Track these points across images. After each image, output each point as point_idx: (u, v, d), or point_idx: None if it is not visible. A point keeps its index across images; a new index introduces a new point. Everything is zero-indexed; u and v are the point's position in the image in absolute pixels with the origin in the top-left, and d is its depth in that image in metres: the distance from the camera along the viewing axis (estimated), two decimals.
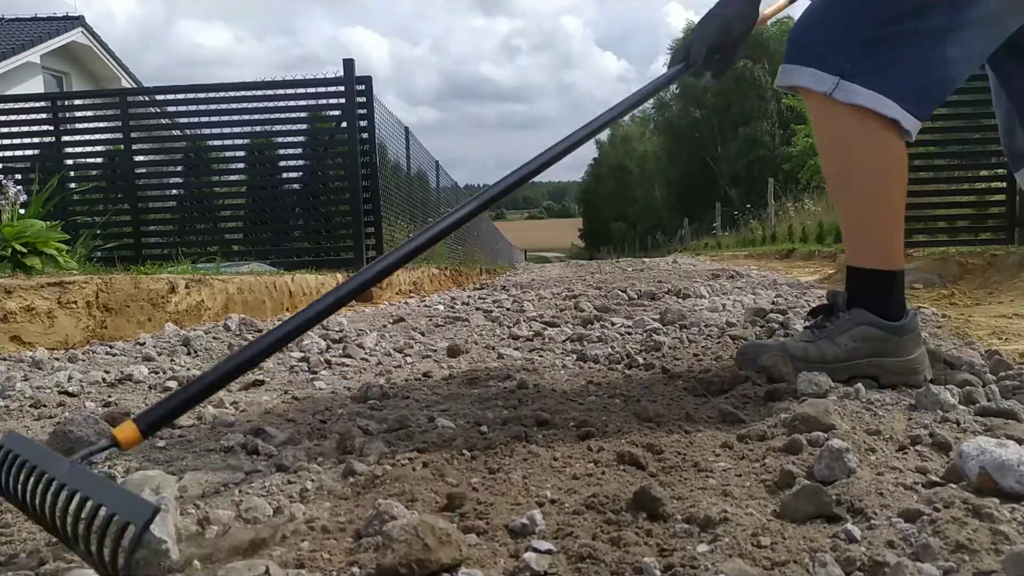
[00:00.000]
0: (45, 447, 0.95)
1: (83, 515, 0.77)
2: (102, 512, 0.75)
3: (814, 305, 1.83)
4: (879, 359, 1.60)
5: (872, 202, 1.65)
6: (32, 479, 0.85)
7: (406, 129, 9.34)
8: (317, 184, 6.78)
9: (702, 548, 0.84)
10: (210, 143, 6.88)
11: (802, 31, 1.63)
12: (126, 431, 0.97)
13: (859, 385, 1.48)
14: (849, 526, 0.87)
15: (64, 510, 0.79)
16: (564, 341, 2.56)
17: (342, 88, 6.20)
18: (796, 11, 1.79)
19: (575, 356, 2.19)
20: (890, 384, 1.57)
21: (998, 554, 0.77)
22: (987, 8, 1.51)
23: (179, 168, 7.12)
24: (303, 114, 6.62)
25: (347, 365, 2.24)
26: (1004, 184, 6.25)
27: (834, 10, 1.60)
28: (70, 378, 2.07)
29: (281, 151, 7.05)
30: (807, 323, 1.79)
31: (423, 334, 3.00)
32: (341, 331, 3.02)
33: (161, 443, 1.36)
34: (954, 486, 0.96)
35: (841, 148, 1.63)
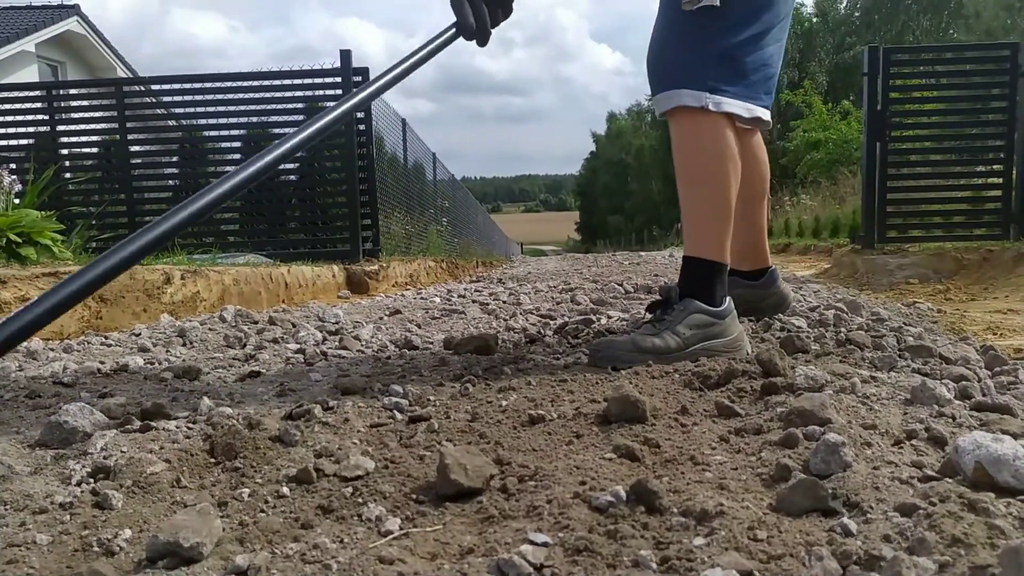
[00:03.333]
0: None
1: None
2: None
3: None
4: (710, 342, 1.85)
5: (722, 197, 1.91)
6: None
7: (403, 121, 9.31)
8: (314, 176, 6.76)
9: (698, 541, 0.84)
10: (206, 133, 6.85)
11: (659, 61, 1.94)
12: None
13: (855, 380, 1.48)
14: (845, 520, 0.87)
15: None
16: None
17: (339, 79, 6.18)
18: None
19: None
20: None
21: (994, 548, 0.77)
22: (777, 9, 1.90)
23: (175, 159, 7.09)
24: (300, 105, 6.59)
25: (343, 357, 2.23)
26: (1000, 180, 6.26)
27: (678, 39, 1.90)
28: (65, 368, 2.07)
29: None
30: (645, 318, 1.98)
31: (419, 326, 2.99)
32: (337, 323, 3.02)
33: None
34: (950, 480, 0.96)
35: (708, 150, 1.89)
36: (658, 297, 1.98)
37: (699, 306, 1.86)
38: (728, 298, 1.91)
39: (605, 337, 2.04)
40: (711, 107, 1.85)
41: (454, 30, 1.67)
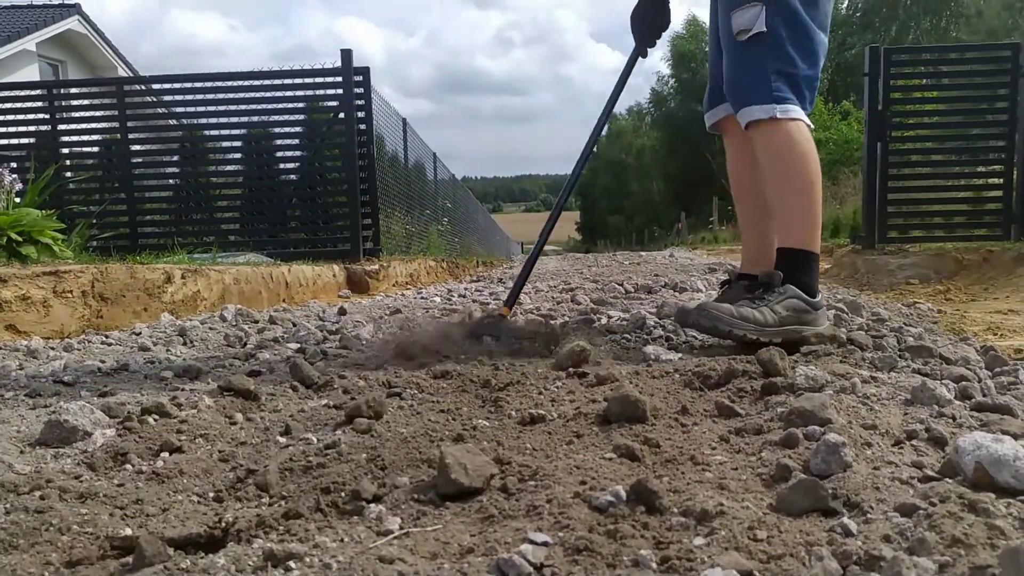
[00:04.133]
0: None
1: None
2: None
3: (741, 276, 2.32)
4: (801, 327, 2.01)
5: (809, 191, 2.13)
6: None
7: (403, 121, 9.31)
8: (314, 175, 6.75)
9: (698, 541, 0.84)
10: (207, 133, 6.85)
11: (731, 87, 2.23)
12: None
13: (855, 380, 1.48)
14: (845, 520, 0.87)
15: None
16: None
17: (339, 79, 6.17)
18: None
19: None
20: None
21: (994, 549, 0.77)
22: (822, 12, 2.18)
23: (176, 158, 7.09)
24: (300, 104, 6.58)
25: (344, 356, 2.23)
26: (1001, 180, 6.25)
27: (741, 64, 2.20)
28: (65, 367, 2.07)
29: (278, 141, 7.02)
30: (747, 295, 2.13)
31: (420, 327, 2.99)
32: (338, 322, 3.02)
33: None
34: (950, 481, 0.96)
35: (788, 154, 2.13)
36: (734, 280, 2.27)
37: (798, 292, 2.06)
38: (821, 293, 2.11)
39: (708, 302, 2.14)
40: (779, 115, 2.10)
41: (637, 53, 2.50)
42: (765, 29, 2.09)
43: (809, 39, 2.16)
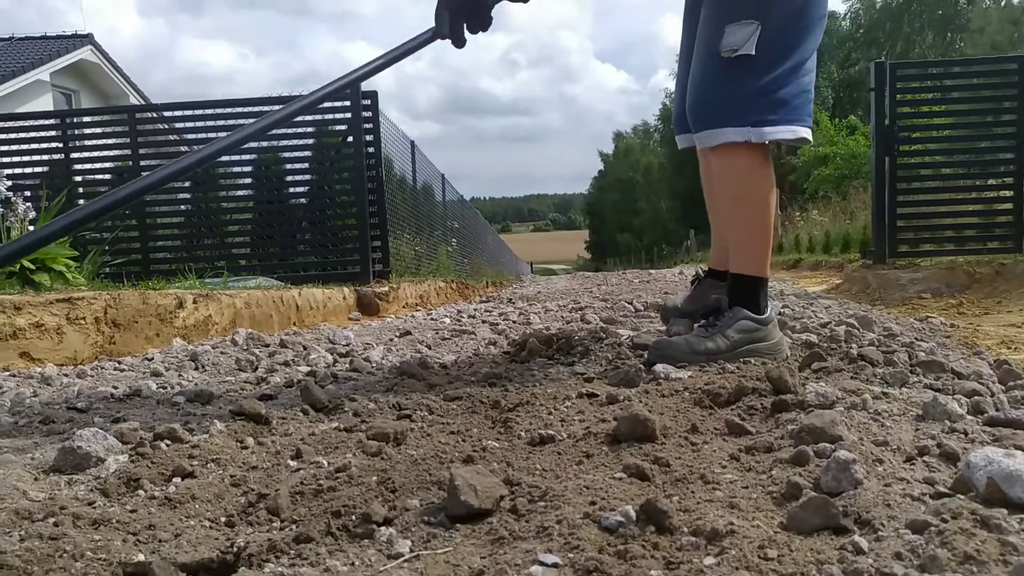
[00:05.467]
0: None
1: None
2: None
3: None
4: (755, 345, 2.09)
5: (763, 220, 2.18)
6: None
7: (412, 143, 9.38)
8: (324, 198, 6.81)
9: (709, 561, 0.84)
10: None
11: (704, 102, 2.15)
12: None
13: (866, 396, 1.48)
14: (856, 538, 0.86)
15: None
16: None
17: (348, 103, 6.24)
18: None
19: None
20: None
21: (1006, 565, 0.76)
22: (814, 37, 2.12)
23: (187, 184, 7.16)
24: (309, 129, 6.65)
25: (354, 379, 2.24)
26: (1012, 192, 6.24)
27: (720, 82, 2.10)
28: (79, 394, 2.08)
29: (288, 166, 7.09)
30: (699, 324, 2.23)
31: (430, 347, 3.00)
32: (348, 345, 3.03)
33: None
34: (962, 497, 0.95)
35: (752, 179, 2.14)
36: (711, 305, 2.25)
37: (746, 313, 2.12)
38: (770, 307, 2.18)
39: (663, 338, 2.22)
40: (754, 139, 2.07)
41: (431, 33, 2.00)
42: (753, 53, 2.02)
43: (799, 53, 2.08)
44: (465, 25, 2.04)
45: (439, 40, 2.02)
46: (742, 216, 2.18)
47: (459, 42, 2.05)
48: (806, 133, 2.14)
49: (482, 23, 2.07)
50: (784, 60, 2.05)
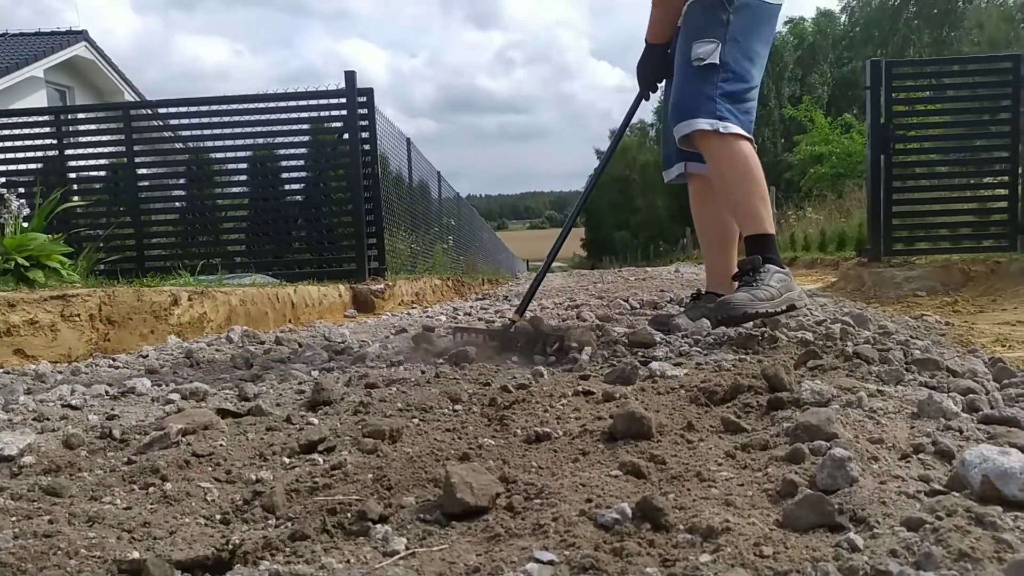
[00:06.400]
0: None
1: None
2: None
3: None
4: (789, 293, 2.47)
5: (758, 186, 2.57)
6: None
7: (407, 140, 9.36)
8: (319, 196, 6.80)
9: (704, 558, 0.84)
10: (212, 155, 6.90)
11: (681, 100, 2.61)
12: None
13: (861, 394, 1.48)
14: (852, 535, 0.86)
15: None
16: None
17: (344, 100, 6.22)
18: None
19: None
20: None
21: (1001, 563, 0.77)
22: (758, 70, 2.62)
23: (182, 180, 7.14)
24: (305, 126, 6.64)
25: (350, 375, 2.23)
26: (1006, 191, 6.25)
27: (692, 84, 2.58)
28: (73, 391, 2.08)
29: (283, 163, 7.07)
30: (737, 285, 2.55)
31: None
32: (344, 343, 3.03)
33: None
34: (957, 494, 0.95)
35: (735, 159, 2.55)
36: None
37: (777, 268, 2.51)
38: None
39: (723, 297, 2.52)
40: (721, 129, 2.51)
41: (640, 97, 2.93)
42: (718, 63, 2.52)
43: (751, 75, 2.58)
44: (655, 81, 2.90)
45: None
46: (743, 189, 2.56)
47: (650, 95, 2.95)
48: (751, 139, 2.60)
49: (661, 80, 2.91)
50: (736, 80, 2.55)
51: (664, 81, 2.93)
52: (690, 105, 2.57)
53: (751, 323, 2.47)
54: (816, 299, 4.49)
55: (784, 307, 2.45)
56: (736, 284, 2.57)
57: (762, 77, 2.75)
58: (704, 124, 2.53)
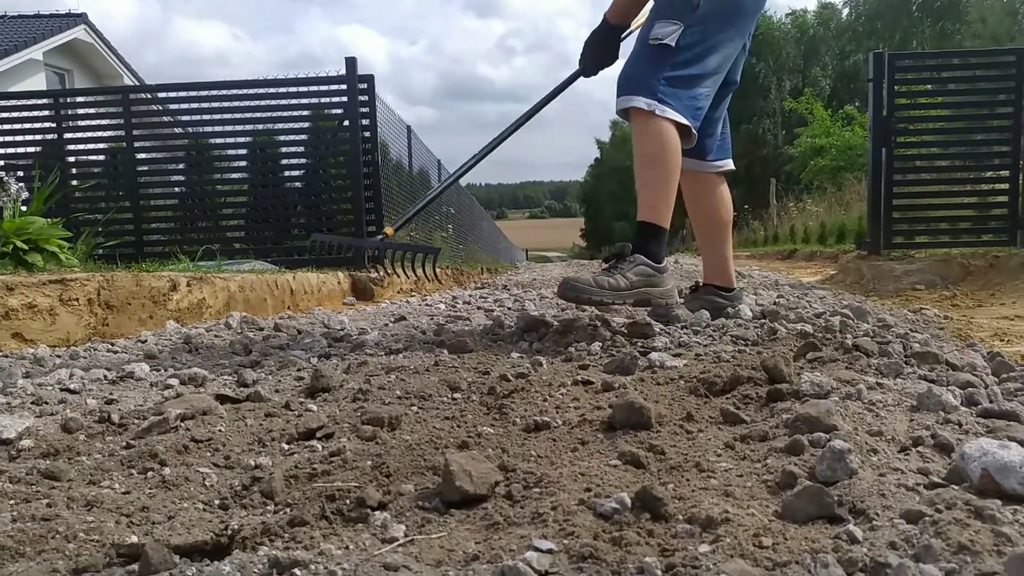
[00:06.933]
0: None
1: None
2: None
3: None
4: (649, 289, 2.46)
5: (666, 176, 2.49)
6: None
7: (408, 128, 9.33)
8: (319, 182, 6.78)
9: (704, 548, 0.84)
10: (212, 141, 6.88)
11: (628, 74, 2.55)
12: None
13: (861, 386, 1.48)
14: (851, 527, 0.86)
15: None
16: None
17: (344, 86, 6.20)
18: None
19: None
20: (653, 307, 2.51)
21: (1000, 556, 0.77)
22: (717, 60, 2.53)
23: (181, 166, 7.12)
24: (305, 112, 6.62)
25: (349, 363, 2.23)
26: (1007, 185, 6.25)
27: (642, 62, 2.53)
28: (71, 375, 2.07)
29: (283, 149, 7.05)
30: (604, 266, 2.55)
31: (424, 333, 2.99)
32: (343, 330, 3.02)
33: None
34: (956, 487, 0.96)
35: (654, 142, 2.48)
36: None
37: (644, 260, 2.47)
38: (667, 258, 2.43)
39: (573, 275, 2.52)
40: (657, 112, 2.46)
41: (577, 74, 2.81)
42: (673, 45, 2.46)
43: (708, 64, 2.51)
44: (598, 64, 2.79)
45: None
46: (650, 172, 2.51)
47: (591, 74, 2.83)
48: (690, 125, 2.51)
49: (605, 66, 2.81)
50: (689, 65, 2.48)
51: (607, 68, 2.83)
52: (634, 80, 2.53)
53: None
54: (815, 291, 4.49)
55: (631, 300, 2.44)
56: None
57: (736, 69, 2.69)
58: (641, 103, 2.48)
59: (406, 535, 0.94)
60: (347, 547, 0.91)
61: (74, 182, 6.51)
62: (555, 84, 2.85)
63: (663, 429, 1.32)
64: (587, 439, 1.30)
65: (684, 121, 2.49)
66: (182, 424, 1.50)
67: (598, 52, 2.79)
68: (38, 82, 15.94)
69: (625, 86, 2.55)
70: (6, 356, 2.47)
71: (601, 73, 2.85)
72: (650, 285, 2.46)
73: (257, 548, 0.92)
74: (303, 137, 6.86)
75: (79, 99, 7.21)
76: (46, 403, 1.74)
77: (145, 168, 6.65)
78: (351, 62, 6.21)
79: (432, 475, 1.14)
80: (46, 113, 6.60)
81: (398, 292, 6.14)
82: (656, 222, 2.52)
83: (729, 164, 2.89)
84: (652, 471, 1.12)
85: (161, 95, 6.94)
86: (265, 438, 1.41)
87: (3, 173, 4.41)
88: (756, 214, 21.53)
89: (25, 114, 6.59)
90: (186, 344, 2.69)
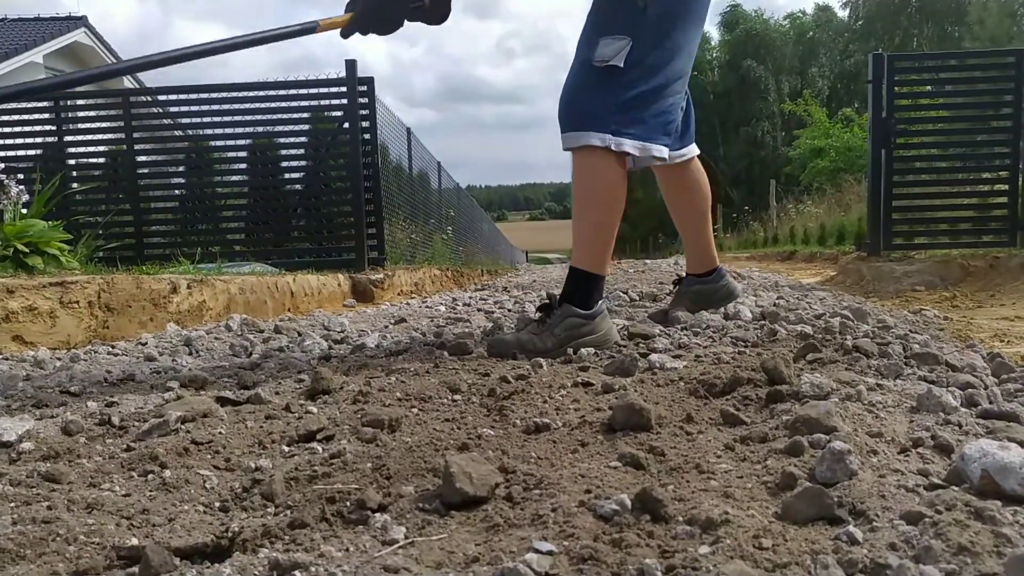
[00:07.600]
0: None
1: None
2: None
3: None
4: (580, 339, 2.22)
5: (607, 221, 2.31)
6: None
7: (408, 130, 9.34)
8: (319, 185, 6.79)
9: (704, 550, 0.84)
10: (212, 143, 6.89)
11: (572, 105, 2.27)
12: None
13: (861, 387, 1.48)
14: (851, 528, 0.87)
15: None
16: None
17: (344, 89, 6.21)
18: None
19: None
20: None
21: (1000, 557, 0.77)
22: (681, 61, 2.28)
23: (181, 168, 7.13)
24: (305, 115, 6.62)
25: (349, 365, 2.23)
26: (1007, 186, 6.25)
27: (590, 88, 2.23)
28: (72, 378, 2.07)
29: (283, 151, 7.06)
30: (535, 318, 2.38)
31: (424, 335, 2.99)
32: (343, 332, 3.02)
33: None
34: (956, 488, 0.96)
35: (602, 181, 2.26)
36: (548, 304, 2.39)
37: (573, 311, 2.26)
38: (600, 301, 2.32)
39: (500, 334, 2.42)
40: (613, 147, 2.20)
41: (311, 26, 2.16)
42: (622, 65, 2.17)
43: (669, 71, 2.25)
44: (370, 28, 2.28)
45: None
46: (589, 215, 2.31)
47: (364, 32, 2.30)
48: (658, 152, 2.28)
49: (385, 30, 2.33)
50: (648, 80, 2.21)
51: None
52: (587, 114, 2.24)
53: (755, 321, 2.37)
54: (815, 293, 4.49)
55: (560, 356, 2.18)
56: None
57: (691, 63, 2.41)
58: (596, 140, 2.21)
59: (406, 537, 0.94)
60: (347, 549, 0.91)
61: (74, 185, 6.51)
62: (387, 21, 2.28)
63: (663, 430, 1.33)
64: (587, 440, 1.30)
65: (641, 153, 2.25)
66: (182, 426, 1.50)
67: (391, 12, 2.28)
68: None
69: (574, 120, 2.26)
70: (7, 359, 2.47)
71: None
72: (579, 336, 2.22)
73: (257, 550, 0.92)
74: (303, 139, 6.87)
75: (79, 102, 7.20)
76: (46, 406, 1.74)
77: (145, 170, 6.66)
78: (351, 64, 6.22)
79: (432, 477, 1.14)
80: (46, 116, 6.61)
81: (398, 294, 6.14)
82: (590, 270, 2.31)
83: (694, 150, 2.66)
84: (652, 472, 1.12)
85: (161, 98, 6.94)
86: (265, 440, 1.41)
87: (4, 176, 4.41)
88: (756, 215, 21.55)
89: (26, 117, 6.59)
90: (186, 346, 2.69)
